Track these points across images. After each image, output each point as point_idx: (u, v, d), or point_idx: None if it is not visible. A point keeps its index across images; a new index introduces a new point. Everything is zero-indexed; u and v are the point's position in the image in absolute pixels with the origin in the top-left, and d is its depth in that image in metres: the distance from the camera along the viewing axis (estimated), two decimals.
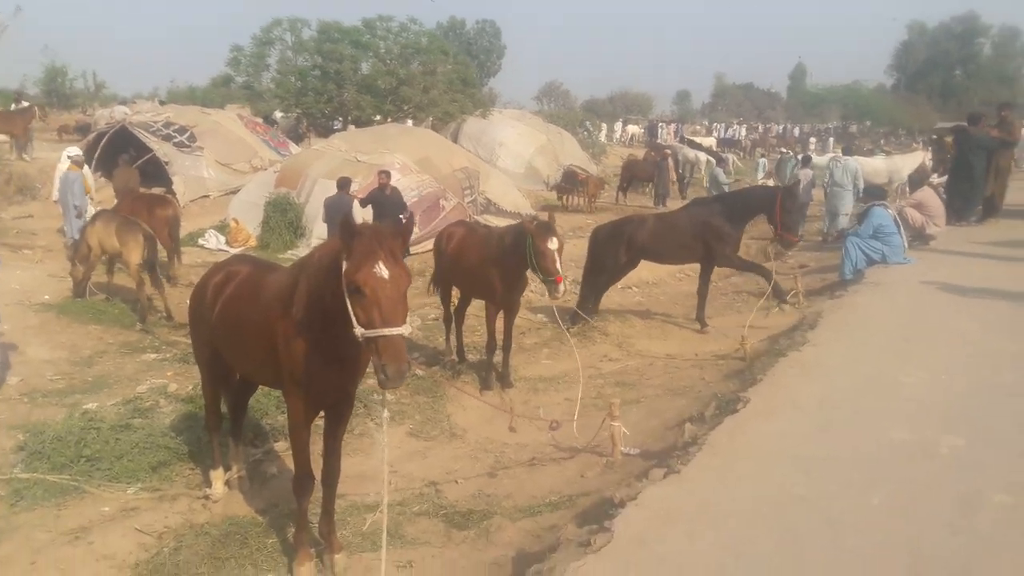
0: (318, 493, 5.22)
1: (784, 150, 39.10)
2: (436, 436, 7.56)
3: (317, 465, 5.18)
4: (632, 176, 26.99)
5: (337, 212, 12.65)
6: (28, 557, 5.28)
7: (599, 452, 6.40)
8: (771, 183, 28.74)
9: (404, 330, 3.95)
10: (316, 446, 5.28)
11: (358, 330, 3.97)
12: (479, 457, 6.98)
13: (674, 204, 25.24)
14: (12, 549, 5.41)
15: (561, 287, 7.63)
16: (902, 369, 6.48)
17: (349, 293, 4.02)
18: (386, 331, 3.88)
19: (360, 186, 17.40)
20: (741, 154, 46.65)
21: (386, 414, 4.47)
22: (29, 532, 5.62)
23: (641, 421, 6.89)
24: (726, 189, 21.11)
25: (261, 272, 5.48)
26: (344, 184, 13.39)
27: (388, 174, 13.73)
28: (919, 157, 23.69)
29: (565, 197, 25.20)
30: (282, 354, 4.76)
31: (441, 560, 4.97)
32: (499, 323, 8.63)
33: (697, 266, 11.31)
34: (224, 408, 6.44)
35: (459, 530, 5.39)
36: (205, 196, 22.89)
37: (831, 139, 57.29)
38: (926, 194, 13.13)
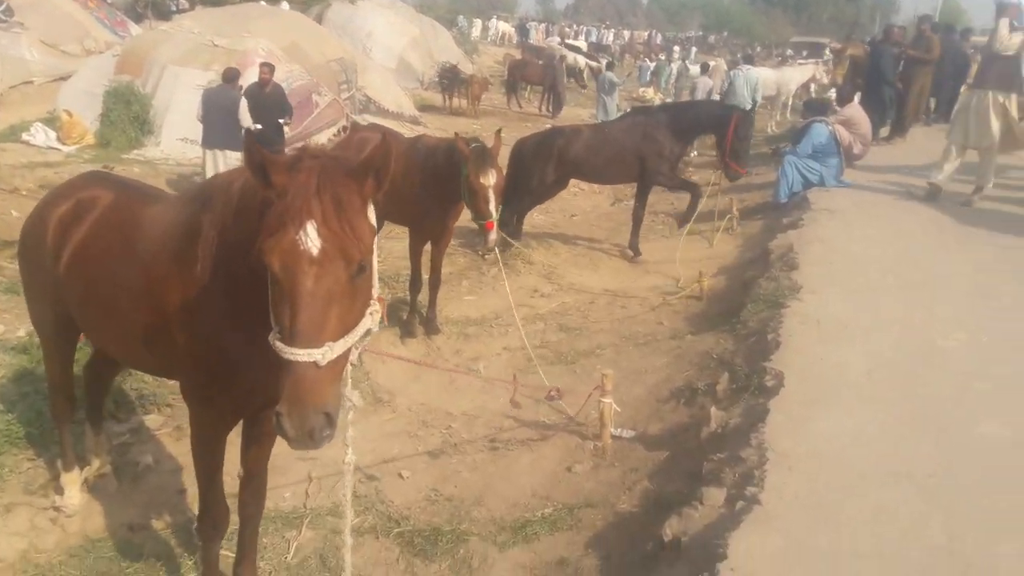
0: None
1: (661, 56, 38.38)
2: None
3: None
4: (520, 78, 25.23)
5: (218, 109, 10.67)
6: None
7: (578, 432, 5.15)
8: (651, 91, 27.98)
9: (319, 356, 2.21)
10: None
11: (272, 336, 2.34)
12: (419, 434, 5.56)
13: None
14: None
15: (492, 235, 6.18)
16: (933, 328, 5.52)
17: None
18: (288, 352, 2.23)
19: (217, 75, 14.96)
20: (610, 60, 45.54)
21: (350, 433, 2.90)
22: None
23: (618, 385, 5.63)
24: (617, 95, 19.82)
25: (133, 203, 3.60)
26: (231, 76, 11.20)
27: (271, 67, 11.56)
28: (810, 71, 23.35)
29: (447, 97, 23.24)
30: (179, 336, 3.09)
31: None
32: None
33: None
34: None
35: (425, 562, 4.00)
36: (28, 82, 19.36)
37: (693, 48, 57.17)
38: (854, 110, 12.31)
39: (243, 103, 10.72)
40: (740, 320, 6.18)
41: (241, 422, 3.49)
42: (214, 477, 3.39)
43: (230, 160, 10.81)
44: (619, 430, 5.06)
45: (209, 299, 2.94)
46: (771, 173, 12.49)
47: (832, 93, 17.51)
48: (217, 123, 10.77)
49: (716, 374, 5.34)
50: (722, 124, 9.14)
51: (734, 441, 4.11)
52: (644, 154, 9.32)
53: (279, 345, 2.26)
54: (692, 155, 17.24)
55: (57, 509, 4.46)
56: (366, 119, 17.92)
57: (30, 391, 5.60)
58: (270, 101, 11.16)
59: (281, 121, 11.31)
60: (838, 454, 3.79)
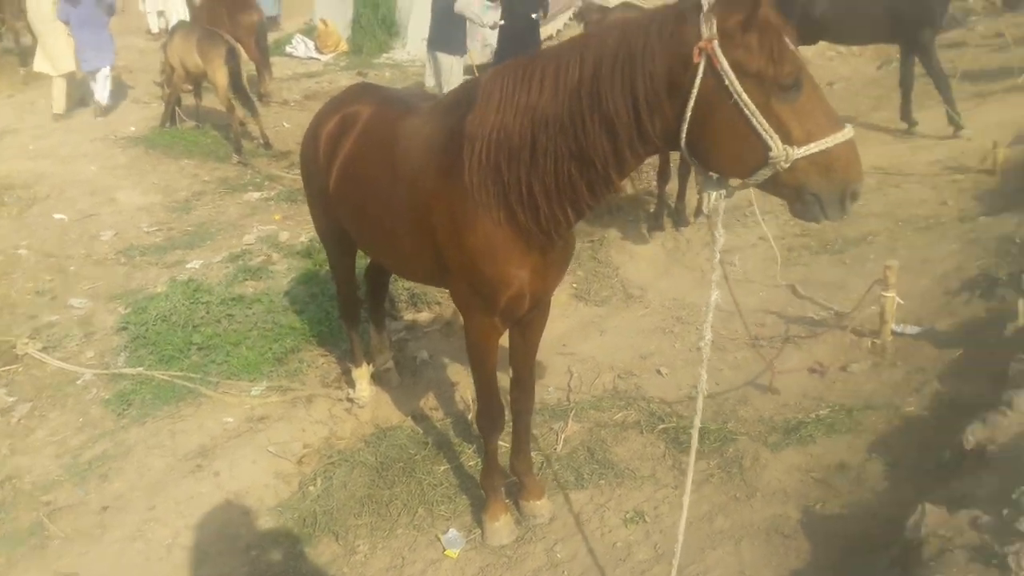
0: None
1: None
2: (608, 298, 6.06)
3: None
4: None
5: (439, 7, 10.29)
6: (145, 498, 4.20)
7: (852, 328, 4.78)
8: None
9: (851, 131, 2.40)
10: None
11: (788, 150, 2.31)
12: (674, 330, 5.46)
13: None
14: (125, 485, 4.33)
15: None
16: None
17: (769, 95, 2.31)
18: (842, 135, 2.34)
19: None
20: None
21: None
22: (143, 457, 4.53)
23: (899, 277, 5.15)
24: None
25: (391, 116, 3.64)
26: None
27: None
28: None
29: None
30: (448, 248, 3.15)
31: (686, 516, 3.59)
32: None
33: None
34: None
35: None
36: None
37: None
38: None
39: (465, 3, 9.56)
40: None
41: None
42: (490, 379, 3.52)
43: (442, 66, 9.86)
44: (901, 326, 4.63)
45: (480, 206, 2.92)
46: None
47: None
48: (436, 23, 9.86)
49: (1020, 261, 4.68)
50: None
51: None
52: (899, 10, 8.15)
53: (822, 142, 2.32)
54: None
55: (351, 400, 4.93)
56: None
57: (317, 292, 6.18)
58: None
59: (534, 16, 9.79)
60: None
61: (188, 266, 6.97)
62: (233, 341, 5.56)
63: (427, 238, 3.25)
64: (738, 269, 6.19)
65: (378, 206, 3.55)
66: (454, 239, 3.08)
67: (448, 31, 9.94)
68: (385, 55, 15.66)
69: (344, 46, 16.20)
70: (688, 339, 5.28)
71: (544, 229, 2.87)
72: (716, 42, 2.30)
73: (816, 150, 2.32)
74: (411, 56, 15.26)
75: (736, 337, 5.10)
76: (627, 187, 7.80)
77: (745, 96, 2.30)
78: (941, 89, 8.18)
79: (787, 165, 2.32)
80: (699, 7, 2.33)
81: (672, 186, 6.99)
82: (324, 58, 15.92)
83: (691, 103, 2.37)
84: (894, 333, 4.58)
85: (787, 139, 2.31)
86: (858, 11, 8.48)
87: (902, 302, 4.55)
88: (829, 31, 8.89)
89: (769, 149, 2.31)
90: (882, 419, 3.88)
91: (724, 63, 2.30)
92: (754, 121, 2.31)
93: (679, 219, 7.01)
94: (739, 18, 2.29)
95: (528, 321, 3.51)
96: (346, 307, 4.87)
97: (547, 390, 4.94)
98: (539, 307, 3.47)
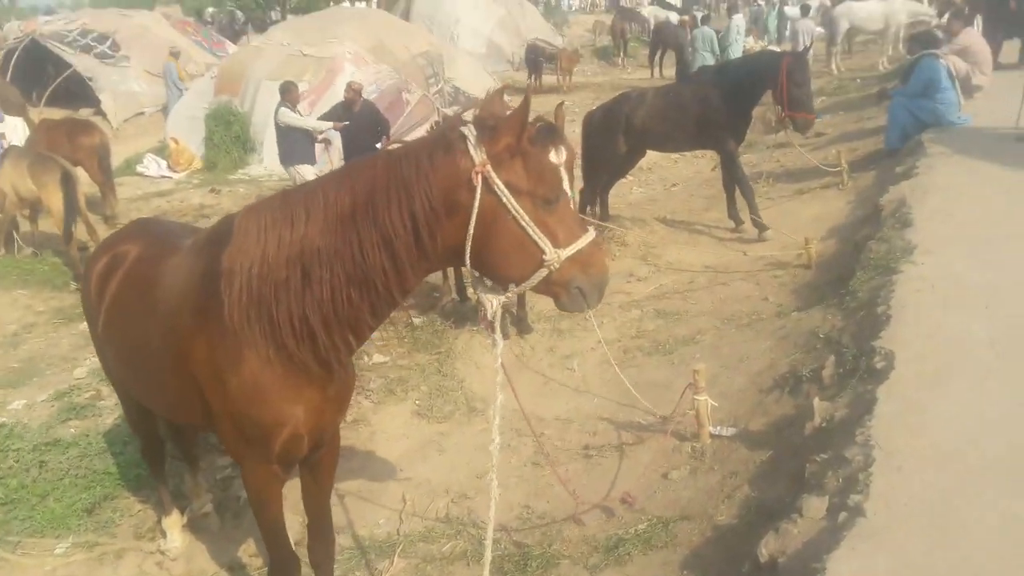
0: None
1: (759, 1, 36.33)
2: (451, 414, 5.95)
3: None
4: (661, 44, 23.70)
5: (287, 133, 10.32)
6: None
7: (676, 432, 4.83)
8: (751, 41, 26.39)
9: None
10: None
11: (558, 253, 2.59)
12: (511, 444, 5.37)
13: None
14: None
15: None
16: None
17: (538, 207, 2.61)
18: (590, 236, 2.70)
19: (310, 85, 15.19)
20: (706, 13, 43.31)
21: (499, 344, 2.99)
22: None
23: (718, 376, 5.29)
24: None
25: (155, 256, 3.49)
26: (286, 90, 10.64)
27: (358, 88, 10.61)
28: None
29: (533, 75, 22.87)
30: (211, 391, 2.98)
31: None
32: None
33: None
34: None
35: None
36: (139, 114, 20.53)
37: None
38: (971, 37, 11.21)
39: (284, 113, 10.30)
40: (849, 291, 5.66)
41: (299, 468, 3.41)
42: (276, 531, 3.33)
43: (306, 179, 9.96)
44: (718, 428, 4.72)
45: (246, 347, 2.81)
46: (883, 117, 11.60)
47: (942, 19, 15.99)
48: (282, 140, 10.50)
49: (823, 356, 4.89)
50: (773, 72, 8.17)
51: (839, 437, 3.70)
52: (702, 121, 8.66)
53: (576, 243, 2.62)
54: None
55: (162, 553, 4.58)
56: (457, 112, 17.86)
57: None
58: (363, 119, 10.32)
59: (379, 146, 10.00)
60: (956, 449, 3.31)
61: (10, 407, 6.48)
62: (40, 493, 5.13)
63: (190, 383, 3.08)
64: (577, 374, 6.24)
65: (139, 351, 3.38)
66: (216, 381, 2.93)
67: (295, 145, 10.21)
68: (241, 171, 15.49)
69: (198, 163, 15.95)
70: (525, 453, 5.22)
71: (323, 360, 2.81)
72: (489, 166, 2.53)
73: (576, 250, 2.61)
74: (268, 170, 15.18)
75: (569, 447, 5.08)
76: (474, 297, 7.84)
77: (521, 210, 2.55)
78: (745, 194, 8.70)
79: (558, 266, 2.59)
80: (464, 137, 2.55)
81: None
82: (177, 176, 15.61)
83: (473, 220, 2.55)
84: (712, 435, 4.66)
85: (556, 243, 2.59)
86: (669, 122, 8.97)
87: (715, 404, 4.66)
88: (649, 139, 9.35)
89: (544, 253, 2.58)
90: (696, 530, 3.88)
91: (500, 184, 2.54)
92: (530, 230, 2.57)
93: (522, 326, 7.05)
94: (505, 144, 2.56)
95: (315, 462, 3.37)
96: (147, 451, 4.58)
97: (377, 523, 4.74)
98: (326, 446, 3.33)
